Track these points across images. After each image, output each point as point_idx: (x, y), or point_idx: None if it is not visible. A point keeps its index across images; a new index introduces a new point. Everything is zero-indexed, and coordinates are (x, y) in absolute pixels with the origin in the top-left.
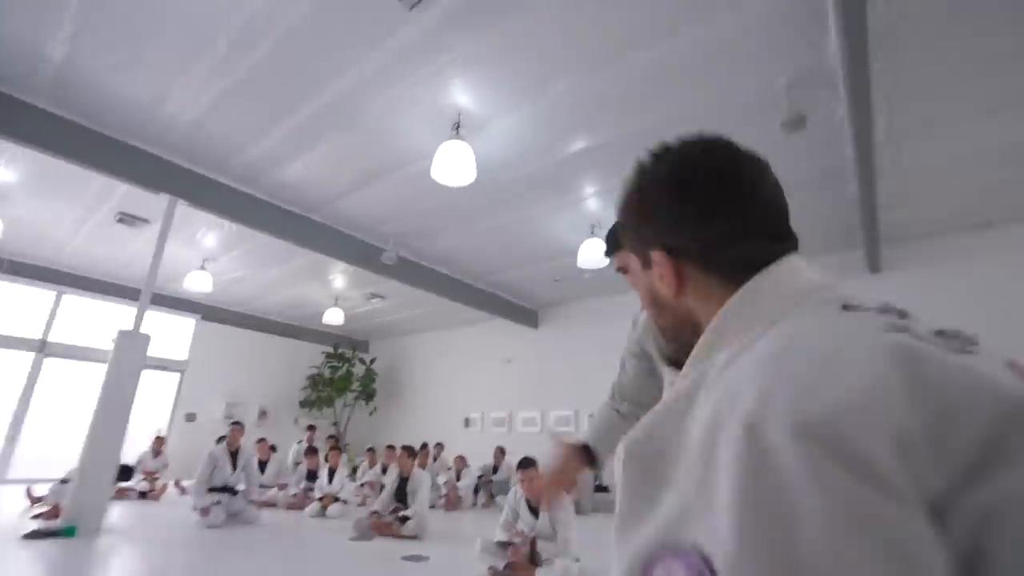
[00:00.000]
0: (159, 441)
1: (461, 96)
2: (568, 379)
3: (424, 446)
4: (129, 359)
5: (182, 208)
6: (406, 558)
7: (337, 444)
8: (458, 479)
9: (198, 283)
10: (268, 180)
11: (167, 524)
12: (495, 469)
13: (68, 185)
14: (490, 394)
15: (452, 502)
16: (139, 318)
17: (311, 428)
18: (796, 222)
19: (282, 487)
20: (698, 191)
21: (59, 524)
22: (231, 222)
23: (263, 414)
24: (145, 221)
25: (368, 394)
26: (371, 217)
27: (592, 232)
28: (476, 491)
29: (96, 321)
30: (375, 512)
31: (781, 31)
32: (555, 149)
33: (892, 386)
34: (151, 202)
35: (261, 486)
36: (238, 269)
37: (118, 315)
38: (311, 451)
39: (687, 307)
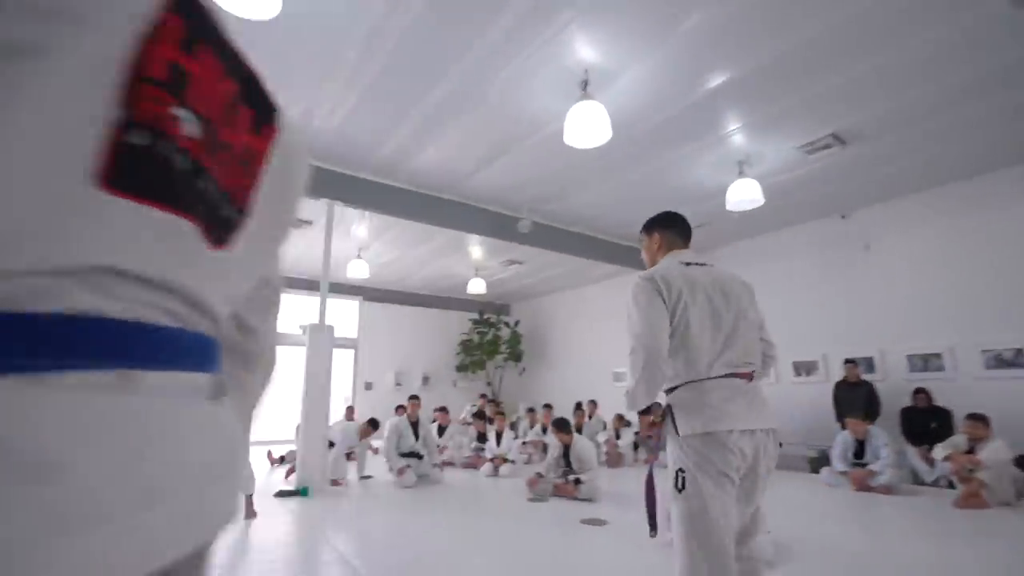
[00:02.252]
0: (350, 411)
1: (586, 52)
2: None
3: (578, 406)
4: (319, 347)
5: (337, 208)
6: (585, 521)
7: (499, 408)
8: (617, 437)
9: (358, 270)
10: (404, 169)
11: (372, 484)
12: None
13: None
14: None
15: (613, 459)
16: (322, 311)
17: (483, 397)
18: None
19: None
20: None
21: (295, 486)
22: (376, 213)
23: (426, 380)
24: (308, 223)
25: (516, 356)
26: (504, 188)
27: (740, 171)
28: (635, 448)
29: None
30: (539, 474)
31: None
32: (692, 89)
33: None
34: (311, 206)
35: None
36: (388, 252)
37: (298, 303)
38: (479, 415)
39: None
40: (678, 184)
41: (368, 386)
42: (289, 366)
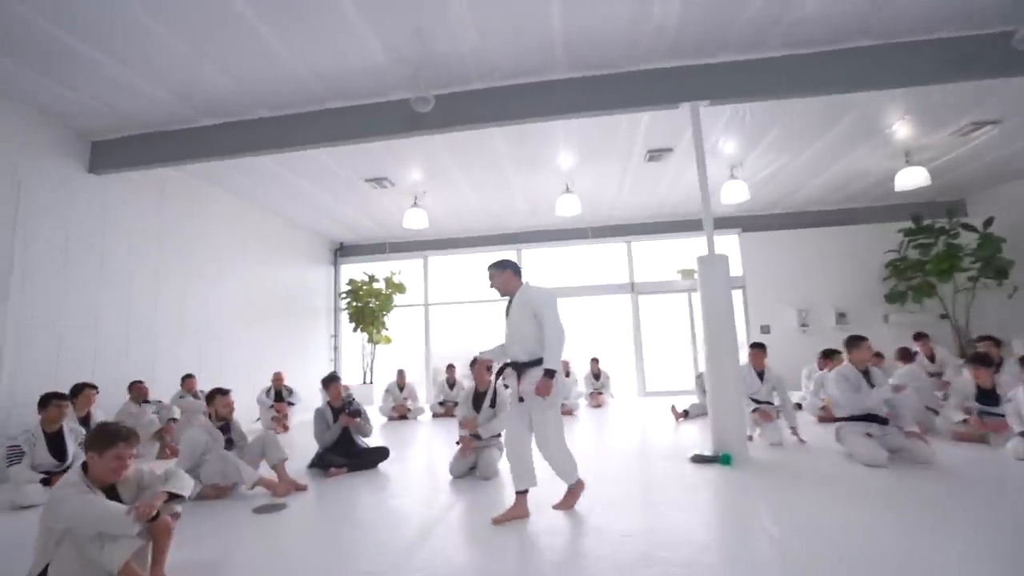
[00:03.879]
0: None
1: None
2: None
3: None
4: (714, 281)
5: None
6: None
7: (996, 342)
8: None
9: (734, 194)
10: (780, 27)
11: (811, 459)
12: None
13: (603, 143)
14: None
15: None
16: (710, 241)
17: (919, 338)
18: None
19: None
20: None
21: (712, 450)
22: (752, 103)
23: (841, 317)
24: (669, 150)
25: (998, 270)
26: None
27: None
28: None
29: (662, 259)
30: None
31: None
32: None
33: None
34: (670, 125)
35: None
36: (767, 165)
37: (679, 251)
38: (980, 359)
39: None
40: None
41: (765, 329)
42: (671, 314)
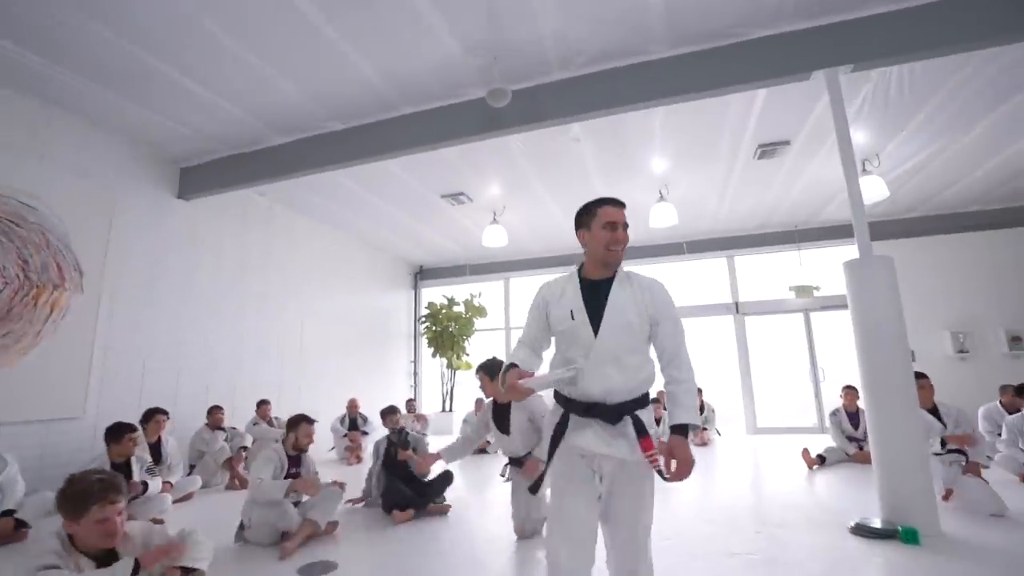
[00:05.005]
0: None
1: None
2: None
3: None
4: (875, 290)
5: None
6: None
7: None
8: None
9: (870, 191)
10: None
11: None
12: None
13: (706, 139)
14: None
15: None
16: (863, 241)
17: None
18: None
19: None
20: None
21: (881, 522)
22: (908, 64)
23: (1016, 341)
24: (786, 143)
25: None
26: None
27: None
28: None
29: (771, 275)
30: None
31: None
32: None
33: None
34: (789, 111)
35: None
36: (913, 155)
37: (791, 264)
38: None
39: None
40: None
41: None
42: (783, 338)
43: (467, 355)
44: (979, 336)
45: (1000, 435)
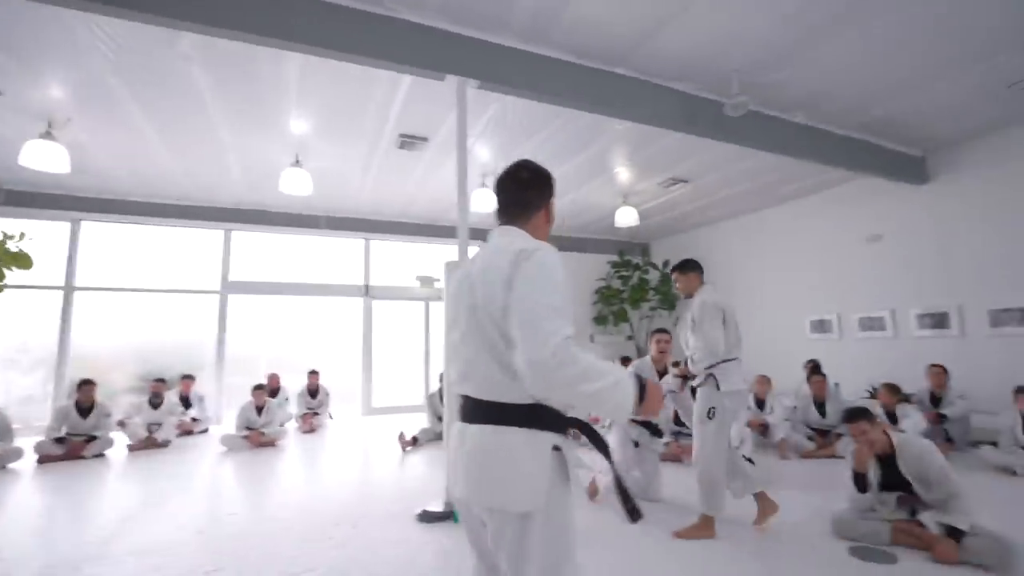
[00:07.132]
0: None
1: None
2: (988, 255)
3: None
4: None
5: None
6: None
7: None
8: None
9: (483, 203)
10: (561, 28)
11: None
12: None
13: (349, 114)
14: (851, 288)
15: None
16: (462, 247)
17: (624, 361)
18: None
19: None
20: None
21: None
22: (520, 97)
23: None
24: (424, 140)
25: (669, 302)
26: (703, 53)
27: None
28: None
29: (401, 262)
30: None
31: None
32: None
33: None
34: (429, 110)
35: None
36: None
37: (421, 255)
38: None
39: None
40: (972, 25)
41: None
42: (406, 324)
43: None
44: None
45: None
